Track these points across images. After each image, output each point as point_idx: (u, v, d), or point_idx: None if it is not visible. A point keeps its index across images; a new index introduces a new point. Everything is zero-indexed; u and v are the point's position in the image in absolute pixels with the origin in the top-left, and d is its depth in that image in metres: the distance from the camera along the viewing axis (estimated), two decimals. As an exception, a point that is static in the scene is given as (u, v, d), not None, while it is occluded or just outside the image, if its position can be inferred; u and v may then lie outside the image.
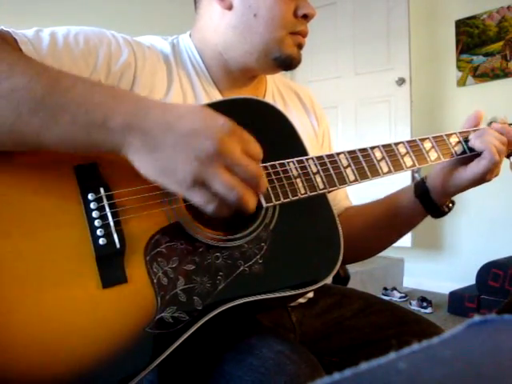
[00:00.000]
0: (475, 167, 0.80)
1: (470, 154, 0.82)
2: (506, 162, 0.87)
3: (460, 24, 3.23)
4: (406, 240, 3.22)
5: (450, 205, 0.88)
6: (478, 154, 0.80)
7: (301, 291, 0.67)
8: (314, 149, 0.92)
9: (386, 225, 0.93)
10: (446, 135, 0.83)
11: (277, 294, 0.65)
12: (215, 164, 0.54)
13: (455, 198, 0.88)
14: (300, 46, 0.85)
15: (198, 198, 0.56)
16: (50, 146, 0.56)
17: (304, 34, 0.85)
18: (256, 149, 0.59)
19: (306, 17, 0.83)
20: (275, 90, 0.96)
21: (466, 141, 0.83)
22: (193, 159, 0.54)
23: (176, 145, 0.54)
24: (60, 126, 0.54)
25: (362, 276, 3.15)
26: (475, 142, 0.80)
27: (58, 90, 0.55)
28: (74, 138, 0.55)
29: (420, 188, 0.87)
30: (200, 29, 0.87)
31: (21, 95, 0.54)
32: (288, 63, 0.84)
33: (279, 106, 0.93)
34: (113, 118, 0.54)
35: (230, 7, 0.82)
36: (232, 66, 0.86)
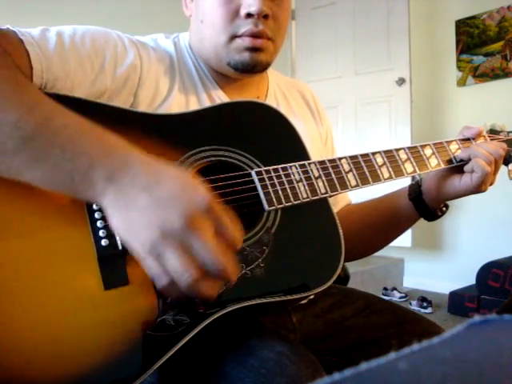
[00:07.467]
0: (469, 180, 0.82)
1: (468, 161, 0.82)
2: (504, 168, 0.88)
3: (460, 24, 3.23)
4: (406, 240, 3.21)
5: (444, 208, 0.89)
6: None
7: (302, 295, 0.67)
8: (317, 148, 0.93)
9: (382, 225, 0.94)
10: (446, 142, 0.84)
11: (277, 298, 0.65)
12: (175, 240, 0.51)
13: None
14: (253, 49, 0.77)
15: (150, 268, 0.53)
16: (32, 183, 0.55)
17: (253, 35, 0.76)
18: (232, 234, 0.54)
19: (251, 15, 0.75)
20: (277, 90, 0.96)
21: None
22: (155, 228, 0.51)
23: (145, 208, 0.52)
24: (43, 168, 0.53)
25: (362, 276, 3.15)
26: (463, 156, 0.83)
27: (47, 133, 0.53)
28: (57, 181, 0.54)
29: (414, 191, 0.88)
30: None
31: (8, 131, 0.52)
32: (240, 69, 0.79)
33: (282, 106, 0.92)
34: (97, 170, 0.53)
35: (191, 14, 0.86)
36: (214, 67, 0.85)
